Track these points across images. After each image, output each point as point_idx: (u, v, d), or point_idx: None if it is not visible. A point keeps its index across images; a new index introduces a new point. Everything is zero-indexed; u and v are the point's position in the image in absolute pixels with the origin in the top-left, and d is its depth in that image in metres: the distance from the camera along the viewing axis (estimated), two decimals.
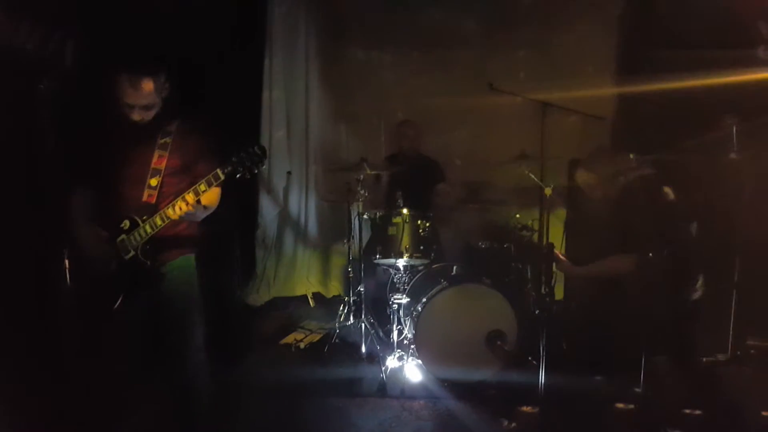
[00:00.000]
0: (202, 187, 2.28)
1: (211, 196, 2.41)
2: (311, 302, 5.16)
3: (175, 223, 2.38)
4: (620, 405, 3.08)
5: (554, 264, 3.16)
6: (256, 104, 4.99)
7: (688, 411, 2.97)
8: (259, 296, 5.08)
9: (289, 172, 5.19)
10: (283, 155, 5.16)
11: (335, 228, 5.25)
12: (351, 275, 4.15)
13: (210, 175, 2.27)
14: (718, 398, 3.10)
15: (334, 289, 5.34)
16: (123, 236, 2.37)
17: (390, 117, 4.99)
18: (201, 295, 2.62)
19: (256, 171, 2.30)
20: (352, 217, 4.20)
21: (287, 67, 5.05)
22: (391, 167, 4.34)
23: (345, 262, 4.96)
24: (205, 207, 2.41)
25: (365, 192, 3.87)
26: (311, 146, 5.20)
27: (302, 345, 4.12)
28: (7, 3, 2.85)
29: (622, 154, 3.08)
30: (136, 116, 2.38)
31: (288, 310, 4.99)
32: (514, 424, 2.97)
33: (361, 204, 3.88)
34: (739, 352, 3.68)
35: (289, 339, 4.26)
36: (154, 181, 2.40)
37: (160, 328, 2.51)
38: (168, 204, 2.33)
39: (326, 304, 5.14)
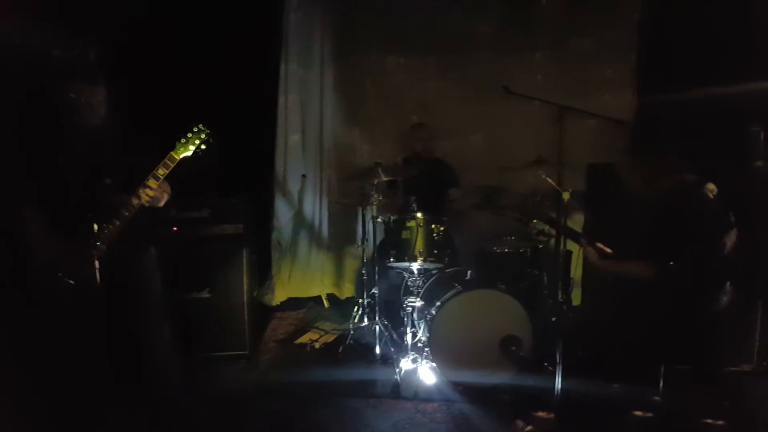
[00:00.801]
0: (161, 171, 2.46)
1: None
2: (325, 303, 5.19)
3: (138, 216, 2.47)
4: (638, 413, 3.05)
5: (580, 249, 3.11)
6: (271, 108, 5.02)
7: (709, 421, 2.93)
8: (275, 296, 5.11)
9: (303, 176, 5.21)
10: (298, 159, 5.19)
11: (348, 230, 5.26)
12: (365, 278, 4.16)
13: (165, 159, 2.47)
14: (742, 408, 3.05)
15: (348, 290, 5.36)
16: (91, 235, 2.42)
17: (404, 121, 5.00)
18: (164, 288, 2.70)
19: (204, 147, 2.55)
20: (366, 221, 4.21)
21: (303, 72, 5.07)
22: (404, 171, 4.34)
23: (358, 264, 4.98)
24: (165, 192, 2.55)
25: (379, 196, 3.88)
26: (326, 150, 5.22)
27: (317, 345, 4.16)
28: (35, 8, 2.92)
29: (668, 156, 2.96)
30: (87, 114, 2.46)
31: (302, 311, 5.03)
32: (529, 427, 2.95)
33: (375, 207, 3.89)
34: (765, 363, 3.61)
35: (304, 339, 4.29)
36: (108, 180, 2.49)
37: (131, 319, 2.57)
38: (131, 195, 2.43)
39: (340, 306, 5.16)
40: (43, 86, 2.68)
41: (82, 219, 2.41)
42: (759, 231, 3.43)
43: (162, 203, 2.59)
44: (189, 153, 2.53)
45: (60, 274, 2.40)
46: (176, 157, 2.50)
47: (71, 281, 2.39)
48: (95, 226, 2.42)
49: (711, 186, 2.78)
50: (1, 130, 2.58)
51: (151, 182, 2.44)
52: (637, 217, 2.93)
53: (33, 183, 2.47)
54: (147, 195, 2.44)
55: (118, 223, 2.44)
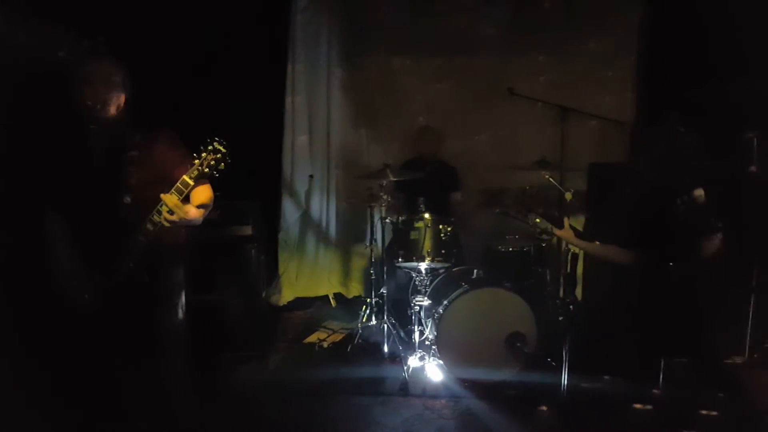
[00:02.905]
0: (174, 197, 2.18)
1: (202, 195, 2.36)
2: (333, 302, 5.27)
3: (160, 235, 2.28)
4: (638, 405, 3.15)
5: (555, 229, 3.15)
6: (278, 109, 5.09)
7: (704, 412, 3.03)
8: (282, 296, 5.20)
9: (311, 176, 5.28)
10: (305, 159, 5.26)
11: (355, 231, 5.33)
12: (373, 277, 4.24)
13: (178, 184, 2.19)
14: (735, 400, 3.14)
15: (355, 289, 5.44)
16: (108, 259, 2.26)
17: (411, 122, 5.07)
18: (186, 307, 2.55)
19: (222, 166, 2.19)
20: (375, 221, 4.29)
21: (310, 73, 5.13)
22: (410, 173, 4.42)
23: (365, 263, 5.06)
24: (201, 206, 2.34)
25: (388, 197, 3.95)
26: (333, 150, 5.29)
27: (325, 344, 4.23)
28: (37, 9, 2.94)
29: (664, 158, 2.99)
30: (97, 112, 2.25)
31: (310, 310, 5.11)
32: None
33: (383, 208, 3.97)
34: (756, 355, 3.73)
35: (313, 338, 4.37)
36: (128, 199, 2.29)
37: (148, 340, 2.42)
38: (146, 220, 2.25)
39: (347, 305, 5.24)
40: (47, 85, 2.66)
41: (96, 242, 2.26)
42: (752, 232, 3.54)
43: (198, 222, 2.36)
44: (205, 175, 2.20)
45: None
46: (190, 182, 2.19)
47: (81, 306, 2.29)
48: (111, 250, 2.27)
49: (698, 192, 2.85)
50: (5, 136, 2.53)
51: (164, 208, 2.18)
52: (628, 215, 2.99)
53: (43, 198, 2.36)
54: (165, 220, 2.20)
55: (134, 248, 2.28)
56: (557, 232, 3.14)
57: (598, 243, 3.06)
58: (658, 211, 2.78)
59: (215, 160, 2.17)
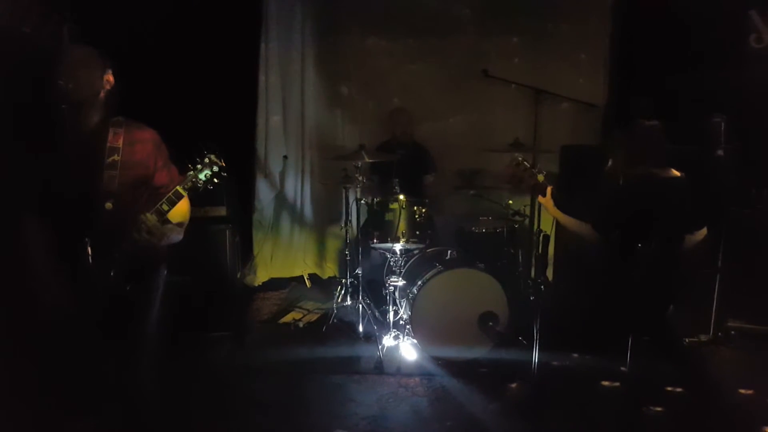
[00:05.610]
0: (165, 207, 2.09)
1: (181, 209, 2.24)
2: (308, 283, 5.27)
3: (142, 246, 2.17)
4: (606, 382, 3.25)
5: (539, 196, 3.12)
6: (252, 88, 5.02)
7: (669, 388, 3.14)
8: (257, 277, 5.18)
9: (285, 157, 5.24)
10: (279, 140, 5.20)
11: (330, 211, 5.34)
12: (348, 258, 4.26)
13: (171, 194, 2.11)
14: (700, 376, 3.26)
15: (330, 270, 5.44)
16: (89, 267, 2.15)
17: (386, 103, 5.05)
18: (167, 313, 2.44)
19: (216, 180, 2.14)
20: (350, 202, 4.29)
21: (283, 52, 5.05)
22: (385, 154, 4.42)
23: (340, 244, 5.06)
24: (179, 224, 2.24)
25: (363, 178, 3.96)
26: (307, 131, 5.24)
27: (301, 324, 4.25)
28: None
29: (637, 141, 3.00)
30: (72, 98, 2.09)
31: (285, 291, 5.11)
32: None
33: (358, 190, 3.97)
34: (720, 333, 3.87)
35: (288, 318, 4.39)
36: (109, 205, 2.15)
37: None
38: (131, 226, 2.12)
39: (322, 285, 5.25)
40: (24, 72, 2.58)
41: (72, 247, 2.12)
42: (717, 214, 3.65)
43: (178, 239, 2.25)
44: (199, 187, 2.13)
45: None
46: (183, 193, 2.10)
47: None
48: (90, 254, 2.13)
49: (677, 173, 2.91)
50: None
51: (152, 217, 2.09)
52: (598, 198, 3.03)
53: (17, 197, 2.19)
54: (144, 233, 2.08)
55: (117, 255, 2.15)
56: (540, 199, 3.16)
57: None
58: (627, 196, 2.84)
59: (211, 171, 2.12)
